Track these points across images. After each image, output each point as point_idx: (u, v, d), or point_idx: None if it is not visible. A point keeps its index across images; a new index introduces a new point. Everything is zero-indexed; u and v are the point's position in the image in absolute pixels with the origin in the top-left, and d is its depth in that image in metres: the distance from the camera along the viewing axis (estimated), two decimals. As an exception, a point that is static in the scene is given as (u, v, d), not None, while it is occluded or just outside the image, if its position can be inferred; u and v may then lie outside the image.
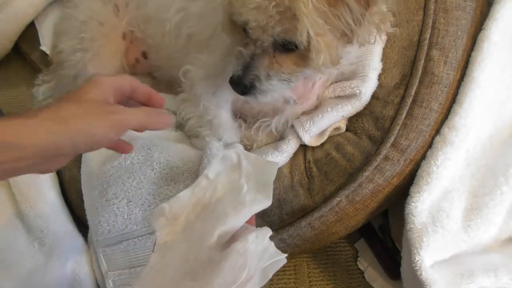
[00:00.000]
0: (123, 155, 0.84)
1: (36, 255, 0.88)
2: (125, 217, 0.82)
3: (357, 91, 0.77)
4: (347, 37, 0.62)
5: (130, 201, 0.81)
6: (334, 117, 0.79)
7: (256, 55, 0.66)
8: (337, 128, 0.82)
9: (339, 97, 0.81)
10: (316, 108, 0.83)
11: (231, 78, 0.68)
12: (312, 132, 0.80)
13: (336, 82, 0.82)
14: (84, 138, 0.51)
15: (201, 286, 0.51)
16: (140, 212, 0.81)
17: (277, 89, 0.69)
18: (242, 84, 0.67)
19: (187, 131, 0.90)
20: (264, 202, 0.59)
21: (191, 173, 0.81)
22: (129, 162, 0.83)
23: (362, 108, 0.80)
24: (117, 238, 0.83)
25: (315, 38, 0.59)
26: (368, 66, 0.78)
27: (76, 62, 0.92)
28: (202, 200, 0.58)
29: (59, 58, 0.95)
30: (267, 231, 0.58)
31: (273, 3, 0.58)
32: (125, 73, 0.97)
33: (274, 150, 0.81)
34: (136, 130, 0.55)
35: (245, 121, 0.89)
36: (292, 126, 0.83)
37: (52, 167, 0.53)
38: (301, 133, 0.80)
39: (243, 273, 0.51)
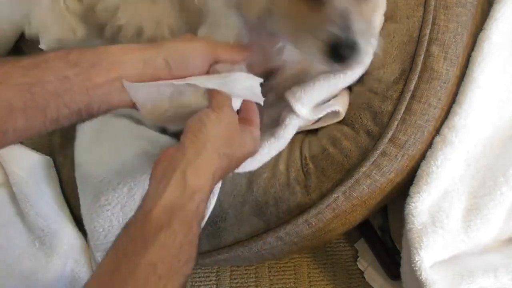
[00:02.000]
0: (115, 158, 0.84)
1: (37, 254, 0.88)
2: (121, 221, 0.81)
3: None
4: None
5: (124, 206, 0.81)
6: (327, 88, 0.77)
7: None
8: (336, 114, 0.80)
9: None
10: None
11: (331, 46, 0.58)
12: (305, 102, 0.76)
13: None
14: (177, 56, 0.58)
15: None
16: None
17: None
18: (356, 48, 0.58)
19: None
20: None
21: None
22: (120, 165, 0.83)
23: (357, 78, 0.79)
24: None
25: None
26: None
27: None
28: None
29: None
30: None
31: None
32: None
33: (270, 137, 0.78)
34: (222, 61, 0.62)
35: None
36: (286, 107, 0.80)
37: None
38: (293, 104, 0.76)
39: None
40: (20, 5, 1.01)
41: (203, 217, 0.55)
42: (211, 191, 0.55)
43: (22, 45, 1.09)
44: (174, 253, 0.48)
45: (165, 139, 0.84)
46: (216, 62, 0.63)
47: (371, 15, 0.63)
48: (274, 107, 0.81)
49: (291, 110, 0.77)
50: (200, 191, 0.52)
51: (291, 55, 0.64)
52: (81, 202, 0.86)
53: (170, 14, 0.83)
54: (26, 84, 0.48)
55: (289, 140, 0.80)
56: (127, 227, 0.50)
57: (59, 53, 0.52)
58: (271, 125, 0.80)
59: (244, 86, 0.62)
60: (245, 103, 0.65)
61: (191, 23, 0.83)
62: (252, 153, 0.65)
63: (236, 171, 0.73)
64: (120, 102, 0.57)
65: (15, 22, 1.05)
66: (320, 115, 0.79)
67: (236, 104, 0.63)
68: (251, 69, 0.67)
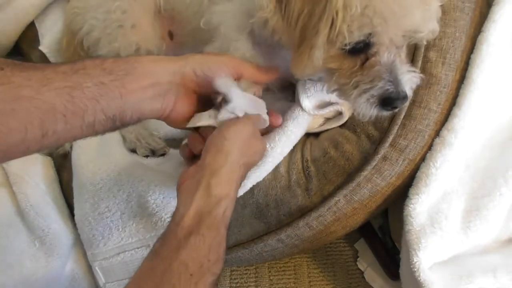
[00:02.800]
0: (112, 166, 0.85)
1: (37, 254, 0.88)
2: (120, 229, 0.82)
3: None
4: None
5: (123, 214, 0.82)
6: None
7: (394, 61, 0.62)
8: (340, 116, 0.81)
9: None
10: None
11: (384, 100, 0.62)
12: (312, 98, 0.77)
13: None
14: (204, 67, 0.61)
15: None
16: (134, 224, 0.82)
17: None
18: (405, 97, 0.62)
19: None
20: None
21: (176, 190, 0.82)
22: (117, 173, 0.84)
23: None
24: (114, 251, 0.84)
25: None
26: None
27: (116, 34, 0.85)
28: None
29: (91, 38, 0.89)
30: None
31: None
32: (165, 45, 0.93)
33: (282, 136, 0.78)
34: (245, 79, 0.66)
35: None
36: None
37: (169, 104, 0.62)
38: (301, 97, 0.77)
39: None
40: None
41: (229, 222, 0.58)
42: (235, 197, 0.59)
43: (23, 45, 1.09)
44: (204, 254, 0.52)
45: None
46: (239, 78, 0.66)
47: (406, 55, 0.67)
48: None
49: (301, 112, 0.79)
50: (226, 198, 0.56)
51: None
52: (76, 212, 0.86)
53: (151, 40, 0.86)
54: (67, 87, 0.50)
55: (299, 137, 0.81)
56: (161, 237, 0.54)
57: (95, 61, 0.55)
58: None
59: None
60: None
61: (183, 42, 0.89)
62: (261, 159, 0.70)
63: (257, 180, 0.78)
64: (151, 111, 0.60)
65: (16, 22, 1.05)
66: (323, 112, 0.79)
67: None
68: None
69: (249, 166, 0.65)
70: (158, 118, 0.63)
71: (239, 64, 0.65)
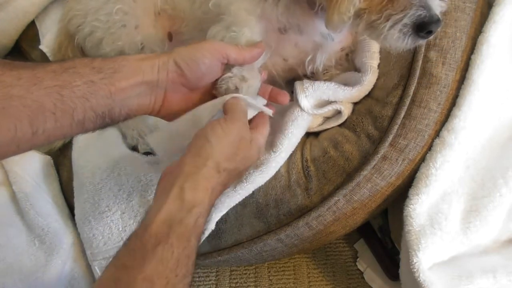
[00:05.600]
0: (111, 166, 0.85)
1: (37, 253, 0.88)
2: (120, 229, 0.82)
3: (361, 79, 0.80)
4: None
5: (124, 213, 0.82)
6: (335, 92, 0.79)
7: None
8: (339, 113, 0.81)
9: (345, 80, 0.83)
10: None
11: (419, 26, 0.63)
12: (311, 97, 0.79)
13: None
14: (187, 58, 0.61)
15: None
16: (134, 223, 0.82)
17: None
18: (439, 20, 0.63)
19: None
20: None
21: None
22: (116, 173, 0.84)
23: (361, 97, 0.81)
24: (114, 250, 0.83)
25: None
26: (370, 57, 0.81)
27: (120, 34, 0.86)
28: None
29: (93, 39, 0.90)
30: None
31: None
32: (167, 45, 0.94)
33: (284, 139, 0.79)
34: (231, 61, 0.65)
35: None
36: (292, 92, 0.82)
37: (157, 100, 0.62)
38: (300, 96, 0.78)
39: None
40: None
41: (202, 231, 0.55)
42: (210, 205, 0.56)
43: (23, 44, 1.09)
44: (171, 267, 0.48)
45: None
46: (227, 62, 0.65)
47: None
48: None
49: (296, 104, 0.79)
50: (199, 205, 0.53)
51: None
52: (77, 211, 0.86)
53: (154, 40, 0.88)
54: (56, 86, 0.51)
55: (300, 138, 0.81)
56: (127, 241, 0.51)
57: (84, 60, 0.56)
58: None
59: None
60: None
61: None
62: (253, 164, 0.67)
63: (260, 184, 0.78)
64: (139, 107, 0.60)
65: (16, 21, 1.05)
66: (322, 111, 0.80)
67: (250, 113, 0.65)
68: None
69: (236, 172, 0.61)
70: (149, 114, 0.63)
71: (222, 47, 0.64)
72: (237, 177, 0.63)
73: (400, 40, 0.64)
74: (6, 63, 0.49)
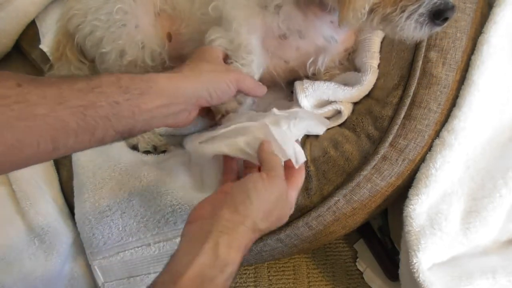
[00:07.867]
0: (112, 165, 0.86)
1: (36, 253, 0.88)
2: (120, 228, 0.82)
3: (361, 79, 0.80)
4: None
5: (124, 213, 0.82)
6: (335, 92, 0.80)
7: None
8: (339, 113, 0.81)
9: (345, 79, 0.83)
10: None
11: (435, 14, 0.64)
12: (308, 94, 0.79)
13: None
14: (214, 88, 0.63)
15: None
16: (135, 223, 0.82)
17: None
18: (454, 7, 0.64)
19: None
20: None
21: (177, 188, 0.82)
22: (117, 173, 0.84)
23: (361, 97, 0.82)
24: (113, 250, 0.84)
25: None
26: (370, 56, 0.81)
27: (120, 33, 0.87)
28: None
29: (94, 38, 0.90)
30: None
31: None
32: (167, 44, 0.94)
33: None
34: (244, 91, 0.68)
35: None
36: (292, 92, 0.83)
37: (180, 119, 0.64)
38: (300, 96, 0.79)
39: None
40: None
41: None
42: (240, 263, 0.55)
43: (23, 44, 1.09)
44: None
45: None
46: (239, 90, 0.67)
47: None
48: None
49: (296, 104, 0.80)
50: (232, 264, 0.52)
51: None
52: (77, 211, 0.86)
53: (154, 39, 0.88)
54: (81, 107, 0.51)
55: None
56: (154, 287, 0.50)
57: (111, 77, 0.55)
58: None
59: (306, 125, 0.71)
60: (289, 162, 0.65)
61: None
62: (285, 221, 0.64)
63: None
64: (160, 125, 0.61)
65: (16, 21, 1.05)
66: (322, 111, 0.80)
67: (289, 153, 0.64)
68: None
69: (267, 231, 0.60)
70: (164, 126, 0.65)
71: (239, 80, 0.67)
72: (263, 234, 0.61)
73: (417, 29, 0.64)
74: (32, 80, 0.49)
